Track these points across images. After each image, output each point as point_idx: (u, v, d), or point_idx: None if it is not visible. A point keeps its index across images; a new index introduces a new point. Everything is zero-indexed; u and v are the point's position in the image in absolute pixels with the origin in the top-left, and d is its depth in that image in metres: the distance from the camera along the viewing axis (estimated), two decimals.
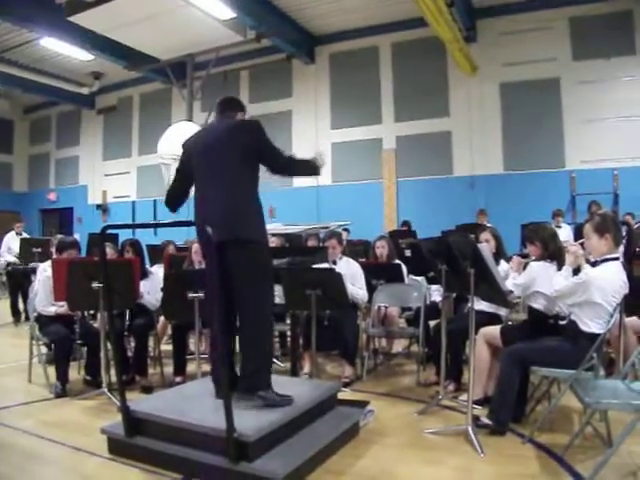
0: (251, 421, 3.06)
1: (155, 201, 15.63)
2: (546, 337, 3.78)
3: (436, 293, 5.53)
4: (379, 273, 5.64)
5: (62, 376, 4.70)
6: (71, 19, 10.00)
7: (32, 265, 8.03)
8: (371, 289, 5.40)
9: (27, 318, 7.43)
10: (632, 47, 10.94)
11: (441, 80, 12.58)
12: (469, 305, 3.72)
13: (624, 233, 4.49)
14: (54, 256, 5.37)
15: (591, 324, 3.44)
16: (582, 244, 3.68)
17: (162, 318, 5.58)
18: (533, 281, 4.03)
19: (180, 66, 12.89)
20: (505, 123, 12.07)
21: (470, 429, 3.51)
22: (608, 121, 11.09)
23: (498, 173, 12.07)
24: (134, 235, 9.82)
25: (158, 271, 5.86)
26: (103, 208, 16.91)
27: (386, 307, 5.67)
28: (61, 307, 4.83)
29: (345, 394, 4.40)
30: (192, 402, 3.49)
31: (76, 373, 5.23)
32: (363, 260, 6.46)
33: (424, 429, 3.77)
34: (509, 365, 3.63)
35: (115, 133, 16.87)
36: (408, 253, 6.00)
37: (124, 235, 7.94)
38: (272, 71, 14.12)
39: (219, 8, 10.06)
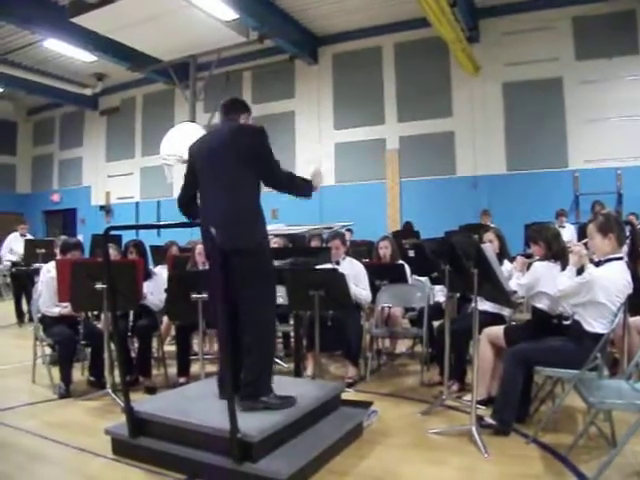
0: (255, 422, 3.06)
1: (158, 202, 15.66)
2: (550, 337, 3.78)
3: (440, 293, 5.52)
4: (382, 273, 5.64)
5: (66, 377, 4.71)
6: (74, 20, 10.01)
7: (36, 266, 8.04)
8: (374, 289, 5.40)
9: (31, 319, 7.45)
10: (635, 47, 10.90)
11: (444, 80, 12.56)
12: (473, 305, 3.72)
13: (628, 233, 4.46)
14: (58, 257, 5.38)
15: (595, 324, 3.44)
16: (586, 244, 3.68)
17: (166, 319, 5.59)
18: (537, 281, 4.03)
19: (183, 67, 12.89)
20: (508, 123, 12.05)
21: (474, 429, 3.50)
22: (611, 121, 11.06)
23: (501, 173, 12.05)
24: (137, 236, 9.84)
25: (162, 272, 5.87)
26: (106, 209, 16.92)
27: (389, 307, 5.67)
28: (65, 308, 4.84)
29: (349, 394, 4.40)
30: (196, 403, 3.50)
31: (80, 374, 5.25)
32: (366, 260, 6.44)
33: (428, 429, 3.77)
34: (513, 365, 3.62)
35: (118, 134, 16.89)
36: (411, 253, 5.99)
37: (127, 236, 7.94)
38: (275, 72, 14.12)
39: (221, 9, 10.06)
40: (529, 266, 4.21)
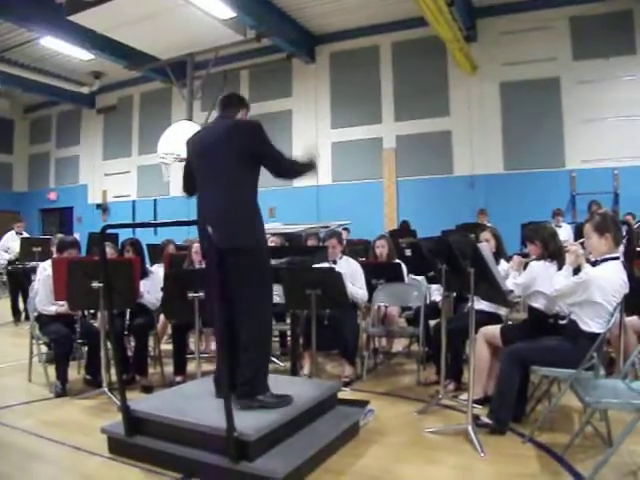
0: (251, 420, 3.06)
1: (155, 200, 15.66)
2: (546, 336, 3.79)
3: (436, 292, 5.52)
4: (379, 272, 5.64)
5: (62, 375, 4.70)
6: (71, 18, 9.99)
7: (32, 264, 8.03)
8: (371, 288, 5.40)
9: (27, 317, 7.44)
10: (632, 46, 10.93)
11: (441, 79, 12.58)
12: (469, 304, 3.72)
13: (624, 233, 4.47)
14: (54, 255, 5.37)
15: (591, 323, 3.44)
16: (582, 244, 3.68)
17: (162, 317, 5.59)
18: (533, 280, 4.04)
19: (180, 65, 12.89)
20: (505, 123, 12.06)
21: (470, 428, 3.51)
22: (608, 121, 11.08)
23: (498, 173, 12.07)
24: (134, 234, 9.82)
25: (158, 270, 5.86)
26: (103, 207, 16.91)
27: (386, 306, 5.67)
28: (62, 306, 4.83)
29: (345, 393, 4.40)
30: (192, 402, 3.49)
31: (76, 372, 5.24)
32: (363, 259, 6.46)
33: (424, 428, 3.77)
34: (509, 364, 3.63)
35: (115, 132, 16.87)
36: (408, 252, 6.00)
37: (124, 234, 7.94)
38: (272, 70, 14.11)
39: (219, 7, 10.05)
40: (525, 265, 4.21)
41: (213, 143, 3.40)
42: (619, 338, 4.13)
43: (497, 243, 4.78)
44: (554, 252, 4.04)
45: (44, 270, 5.03)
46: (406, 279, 5.73)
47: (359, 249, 7.87)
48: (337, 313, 4.91)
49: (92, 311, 5.72)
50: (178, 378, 4.92)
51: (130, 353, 5.19)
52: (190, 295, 4.44)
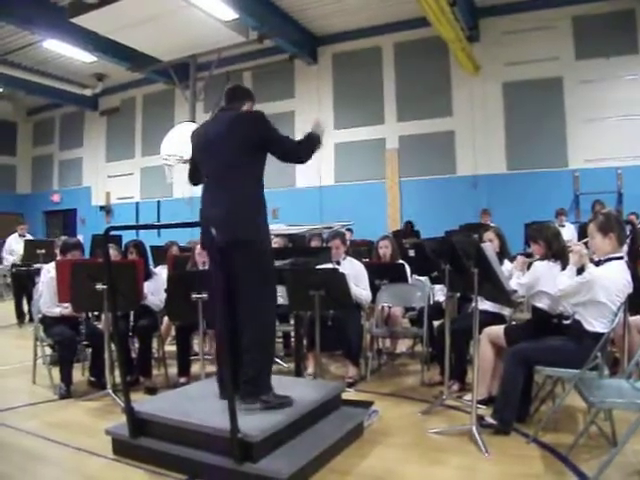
0: (255, 421, 3.06)
1: (159, 202, 15.69)
2: (550, 337, 3.78)
3: (440, 293, 5.51)
4: (382, 273, 5.64)
5: (66, 377, 4.70)
6: (74, 21, 10.03)
7: (36, 266, 8.04)
8: (374, 289, 5.40)
9: (31, 319, 7.45)
10: (635, 46, 10.91)
11: (444, 80, 12.57)
12: (473, 305, 3.72)
13: (628, 232, 4.46)
14: (58, 257, 5.38)
15: (595, 323, 3.44)
16: (586, 243, 3.68)
17: (166, 319, 5.58)
18: (537, 280, 4.03)
19: (183, 67, 12.91)
20: (508, 122, 12.05)
21: (474, 429, 3.50)
22: (611, 120, 11.05)
23: (501, 172, 12.06)
24: (138, 236, 9.84)
25: (162, 272, 5.86)
26: (107, 209, 16.94)
27: (390, 307, 5.67)
28: (66, 308, 4.84)
29: (349, 394, 4.40)
30: (196, 403, 3.49)
31: (80, 374, 5.25)
32: (366, 260, 6.45)
33: (428, 429, 3.77)
34: (513, 365, 3.62)
35: (118, 134, 16.90)
36: (412, 253, 5.99)
37: (128, 236, 7.95)
38: (275, 72, 14.12)
39: (221, 9, 10.07)
40: (529, 265, 4.21)
41: (217, 135, 3.39)
42: (623, 338, 4.12)
43: (501, 243, 4.77)
44: (558, 252, 4.03)
45: (48, 272, 5.04)
46: (410, 279, 5.73)
47: (362, 250, 7.86)
48: (341, 314, 4.91)
49: (96, 313, 5.72)
50: (182, 379, 4.92)
51: (134, 355, 5.20)
52: (194, 296, 4.44)
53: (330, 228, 6.62)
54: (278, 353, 5.97)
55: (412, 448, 3.50)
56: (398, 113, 13.10)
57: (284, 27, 12.24)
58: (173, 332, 5.77)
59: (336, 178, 13.54)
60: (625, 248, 3.90)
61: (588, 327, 3.46)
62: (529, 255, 4.38)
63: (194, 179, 3.73)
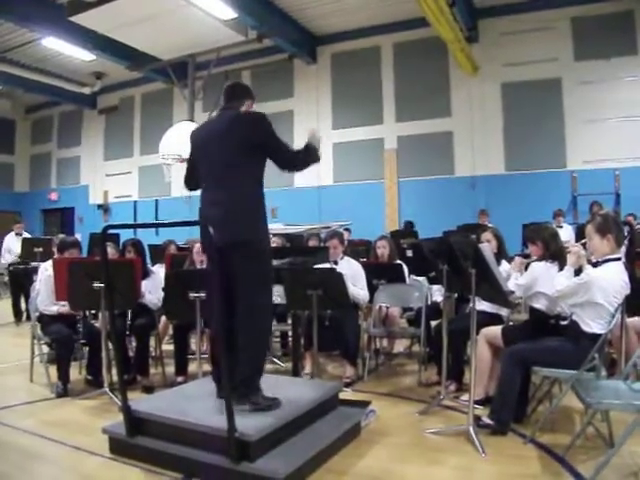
0: (252, 421, 3.06)
1: (157, 201, 15.67)
2: (547, 337, 3.78)
3: (437, 293, 5.53)
4: (380, 273, 5.64)
5: (63, 376, 4.70)
6: (72, 19, 9.99)
7: (34, 265, 8.03)
8: (372, 289, 5.40)
9: (29, 317, 7.44)
10: (634, 47, 10.93)
11: (442, 80, 12.58)
12: (470, 305, 3.72)
13: (626, 233, 4.47)
14: (55, 256, 5.37)
15: (593, 324, 3.44)
16: (584, 244, 3.68)
17: (163, 318, 5.58)
18: (535, 281, 4.03)
19: (182, 66, 12.88)
20: (506, 123, 12.06)
21: (471, 429, 3.50)
22: (610, 121, 11.07)
23: (499, 173, 12.07)
24: (135, 235, 9.83)
25: (159, 271, 5.86)
26: (104, 208, 16.91)
27: (387, 307, 5.67)
28: (63, 307, 4.83)
29: (346, 394, 4.40)
30: (193, 402, 3.49)
31: (77, 373, 5.24)
32: (364, 260, 6.45)
33: (425, 429, 3.77)
34: (510, 365, 3.63)
35: (117, 133, 16.88)
36: (409, 253, 5.99)
37: (125, 235, 7.95)
38: (273, 71, 14.12)
39: (220, 8, 10.05)
40: (527, 266, 4.21)
41: (216, 136, 3.37)
42: (620, 339, 4.13)
43: (498, 244, 4.77)
44: (555, 253, 4.03)
45: (45, 270, 5.03)
46: (407, 280, 5.72)
47: (360, 250, 7.86)
48: (338, 314, 4.91)
49: (93, 311, 5.71)
50: (179, 378, 4.92)
51: (131, 353, 5.20)
52: (191, 295, 4.44)
53: (328, 228, 6.62)
54: (275, 353, 5.99)
55: (409, 448, 3.50)
56: (397, 113, 13.11)
57: (283, 26, 12.24)
58: (170, 331, 5.77)
59: (335, 178, 13.54)
60: (623, 249, 3.91)
61: (585, 328, 3.46)
62: (527, 256, 4.39)
63: (190, 184, 3.68)
